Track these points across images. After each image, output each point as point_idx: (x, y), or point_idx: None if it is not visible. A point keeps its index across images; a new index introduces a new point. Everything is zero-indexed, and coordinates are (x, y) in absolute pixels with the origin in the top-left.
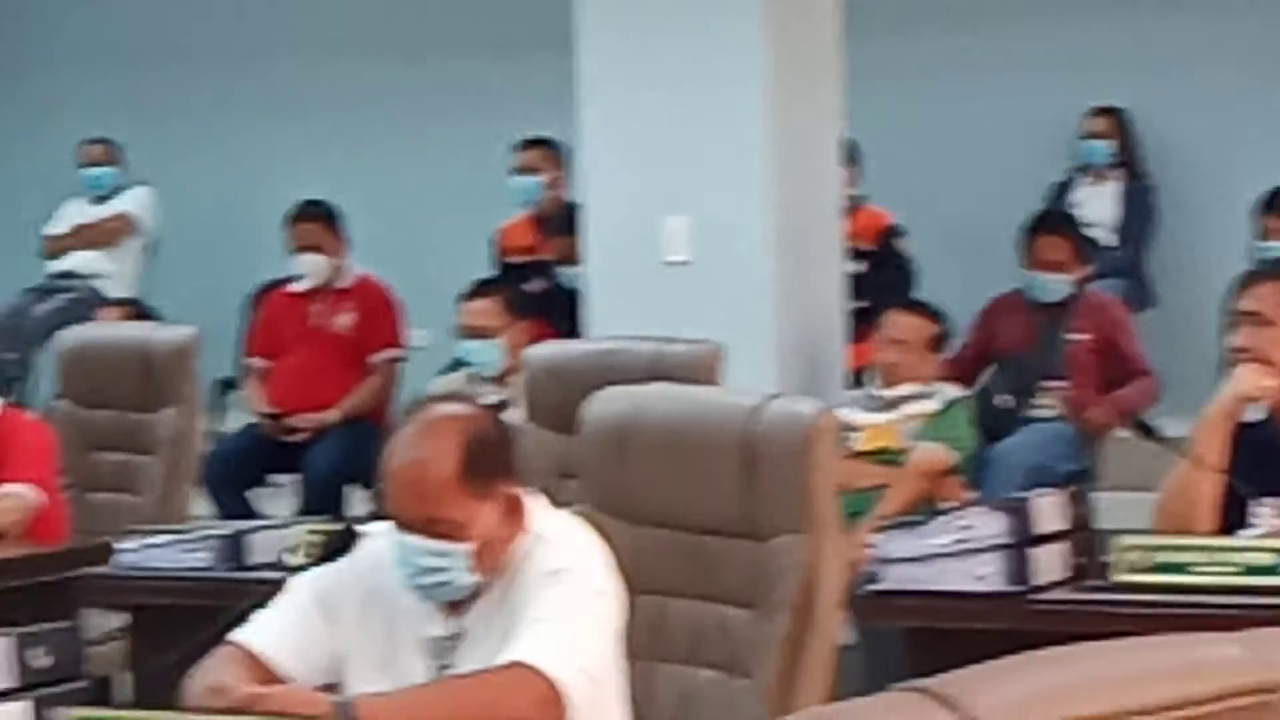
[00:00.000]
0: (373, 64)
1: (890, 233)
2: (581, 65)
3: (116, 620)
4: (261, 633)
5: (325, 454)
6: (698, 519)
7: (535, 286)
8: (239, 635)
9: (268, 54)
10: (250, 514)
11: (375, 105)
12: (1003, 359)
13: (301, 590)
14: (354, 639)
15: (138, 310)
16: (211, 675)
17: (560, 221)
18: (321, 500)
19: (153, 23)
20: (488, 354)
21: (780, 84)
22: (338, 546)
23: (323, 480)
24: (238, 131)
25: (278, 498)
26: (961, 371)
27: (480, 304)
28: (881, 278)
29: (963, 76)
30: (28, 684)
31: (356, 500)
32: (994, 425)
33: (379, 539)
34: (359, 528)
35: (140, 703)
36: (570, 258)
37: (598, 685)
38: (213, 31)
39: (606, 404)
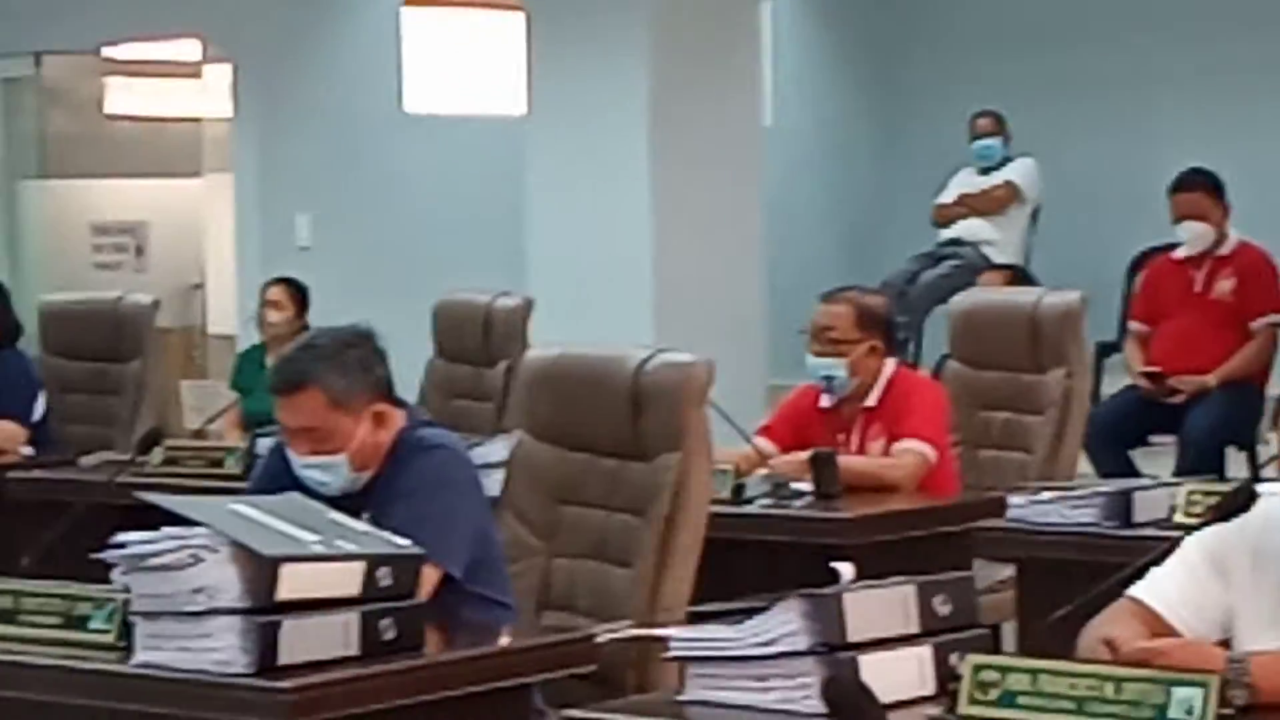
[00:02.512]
0: (1255, 34)
1: None
2: None
3: (1004, 571)
4: (1156, 588)
5: (1205, 415)
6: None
7: None
8: (1135, 590)
9: (1140, 29)
10: (1131, 473)
11: (1256, 74)
12: None
13: (1193, 548)
14: (1245, 597)
15: (1019, 275)
16: (1105, 628)
17: None
18: (1199, 461)
19: (1035, 5)
20: None
21: None
22: (1237, 505)
23: (1202, 441)
24: (1116, 103)
25: (1155, 457)
26: None
27: None
28: None
29: None
30: (929, 629)
31: (1236, 462)
32: None
33: (1274, 500)
34: (1258, 487)
35: (1027, 651)
36: None
37: None
38: (1088, 10)
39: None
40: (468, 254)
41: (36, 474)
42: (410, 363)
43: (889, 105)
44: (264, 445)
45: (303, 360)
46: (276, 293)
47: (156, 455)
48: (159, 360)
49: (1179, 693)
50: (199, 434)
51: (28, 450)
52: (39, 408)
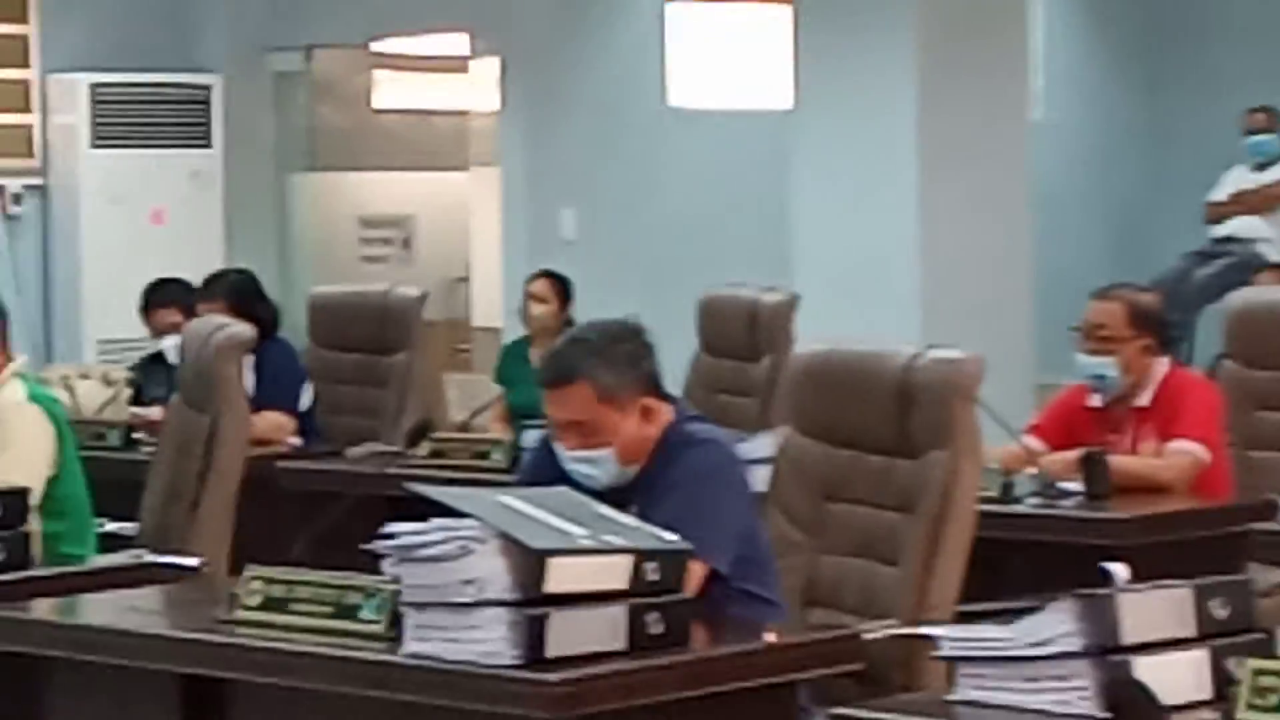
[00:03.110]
0: None
1: None
2: None
3: (1278, 575)
4: None
5: None
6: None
7: None
8: None
9: None
10: None
11: None
12: None
13: None
14: None
15: None
16: None
17: None
18: None
19: None
20: None
21: None
22: None
23: None
24: None
25: None
26: None
27: None
28: None
29: None
30: (1206, 633)
31: None
32: None
33: None
34: None
35: None
36: None
37: None
38: None
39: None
40: (732, 248)
41: (305, 464)
42: (674, 358)
43: (1159, 100)
44: (529, 439)
45: (572, 354)
46: (540, 286)
47: (423, 447)
48: (425, 353)
49: None
50: (463, 427)
51: (295, 440)
52: (306, 398)
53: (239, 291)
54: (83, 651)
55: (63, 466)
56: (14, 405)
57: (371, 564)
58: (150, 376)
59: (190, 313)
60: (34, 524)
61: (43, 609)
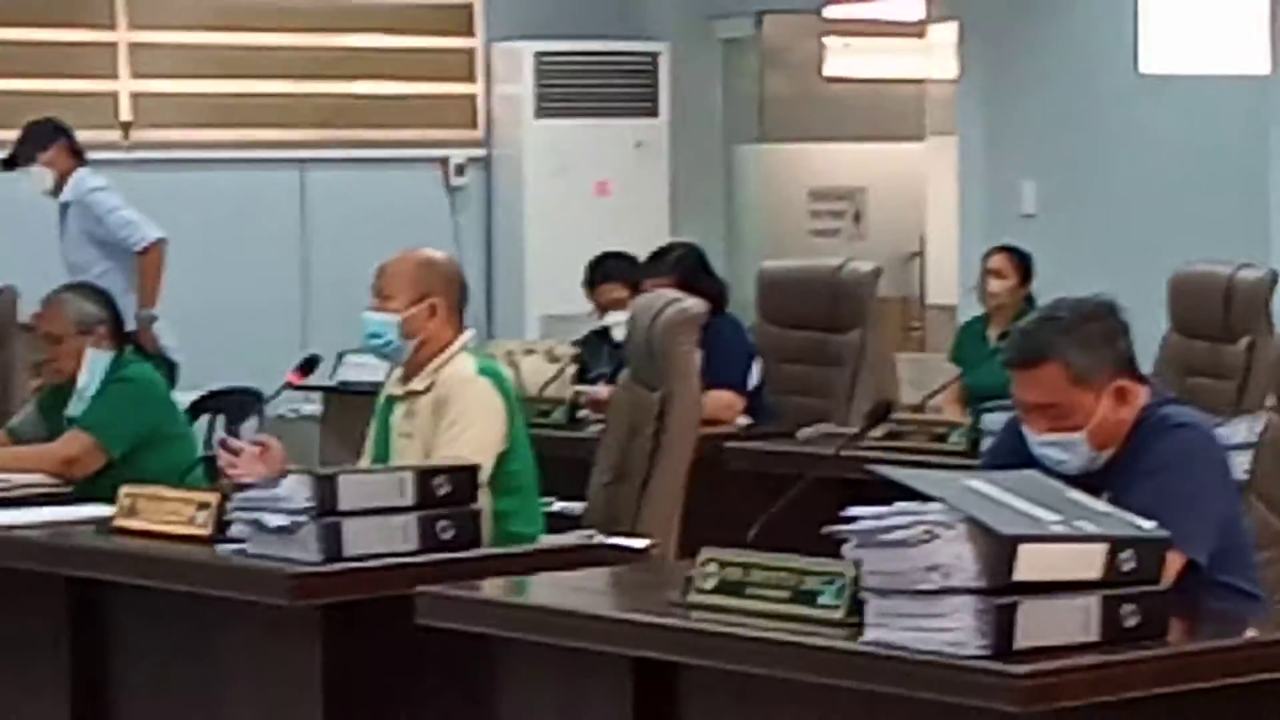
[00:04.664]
0: None
1: None
2: None
3: None
4: None
5: None
6: None
7: None
8: None
9: None
10: None
11: None
12: None
13: None
14: None
15: None
16: None
17: None
18: None
19: None
20: None
21: None
22: None
23: None
24: None
25: None
26: None
27: None
28: None
29: None
30: None
31: None
32: None
33: None
34: None
35: None
36: None
37: None
38: None
39: None
40: (1206, 223)
41: (754, 445)
42: (1142, 337)
43: None
44: (991, 421)
45: (1043, 333)
46: (999, 261)
47: (879, 429)
48: (879, 331)
49: None
50: (918, 408)
51: (743, 420)
52: (754, 376)
53: (687, 266)
54: (533, 632)
55: (513, 442)
56: (464, 379)
57: (825, 548)
58: (595, 353)
59: (635, 288)
60: (483, 501)
61: (494, 588)
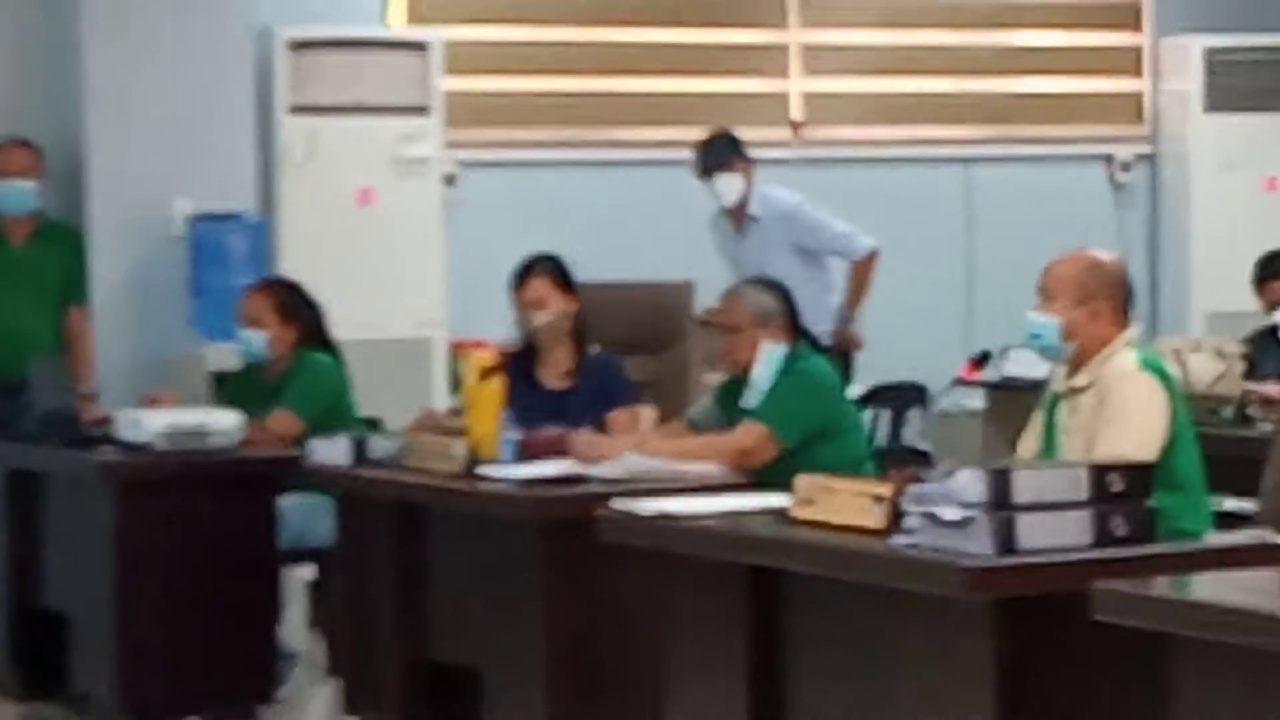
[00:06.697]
0: None
1: None
2: None
3: None
4: None
5: None
6: None
7: None
8: None
9: None
10: None
11: None
12: None
13: None
14: None
15: None
16: None
17: None
18: None
19: None
20: None
21: None
22: None
23: None
24: None
25: None
26: None
27: None
28: None
29: None
30: None
31: None
32: None
33: None
34: None
35: None
36: None
37: None
38: None
39: None
40: None
41: None
42: None
43: None
44: None
45: None
46: None
47: None
48: None
49: None
50: None
51: None
52: None
53: None
54: (1212, 632)
55: (1176, 437)
56: (1126, 374)
57: None
58: (1263, 350)
59: None
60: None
61: (1160, 585)
